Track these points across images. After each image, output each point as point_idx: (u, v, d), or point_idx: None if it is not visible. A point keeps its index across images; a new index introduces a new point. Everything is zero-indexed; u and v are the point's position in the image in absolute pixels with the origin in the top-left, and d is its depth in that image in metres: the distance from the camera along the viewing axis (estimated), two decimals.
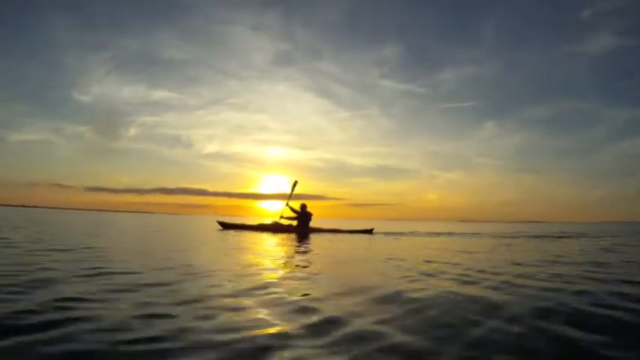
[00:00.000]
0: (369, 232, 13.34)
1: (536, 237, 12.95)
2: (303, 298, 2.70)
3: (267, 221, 13.39)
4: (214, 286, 3.05)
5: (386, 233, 13.71)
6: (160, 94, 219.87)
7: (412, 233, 14.22)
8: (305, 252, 6.33)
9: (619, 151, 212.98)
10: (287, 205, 12.88)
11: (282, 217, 12.83)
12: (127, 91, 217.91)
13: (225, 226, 13.70)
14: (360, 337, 1.85)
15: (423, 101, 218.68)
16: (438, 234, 14.20)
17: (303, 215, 12.83)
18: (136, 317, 2.08)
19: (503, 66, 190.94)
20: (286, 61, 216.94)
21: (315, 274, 3.87)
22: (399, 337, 1.87)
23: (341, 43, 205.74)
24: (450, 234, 14.43)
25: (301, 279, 3.53)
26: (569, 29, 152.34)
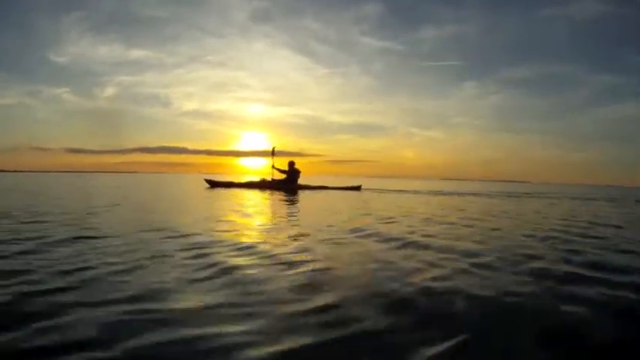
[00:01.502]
0: (357, 188, 13.47)
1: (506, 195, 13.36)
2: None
3: (255, 179, 13.34)
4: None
5: (372, 190, 13.91)
6: (137, 53, 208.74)
7: (400, 191, 14.45)
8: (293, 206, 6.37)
9: (600, 116, 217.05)
10: (273, 167, 12.76)
11: (273, 179, 12.79)
12: (104, 50, 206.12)
13: (213, 184, 13.57)
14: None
15: (402, 59, 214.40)
16: (424, 192, 14.50)
17: (291, 172, 12.79)
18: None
19: (484, 27, 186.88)
20: (265, 18, 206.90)
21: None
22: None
23: (320, 0, 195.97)
24: (438, 193, 14.76)
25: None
26: None
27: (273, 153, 12.94)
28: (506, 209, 7.05)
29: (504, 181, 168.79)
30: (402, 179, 71.74)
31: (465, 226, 4.25)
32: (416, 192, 13.86)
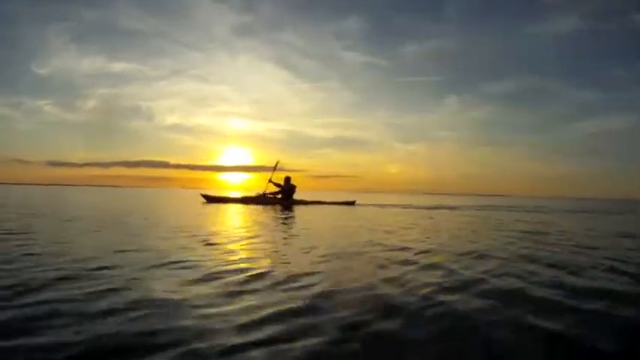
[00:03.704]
0: (352, 203, 13.76)
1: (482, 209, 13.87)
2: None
3: (250, 194, 13.48)
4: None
5: (365, 205, 14.20)
6: (119, 66, 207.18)
7: (391, 206, 14.78)
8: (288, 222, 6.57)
9: (581, 130, 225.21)
10: (270, 181, 12.99)
11: (265, 193, 12.98)
12: (87, 62, 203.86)
13: (209, 199, 13.64)
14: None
15: (385, 74, 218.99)
16: (419, 207, 14.89)
17: (287, 188, 13.02)
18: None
19: (466, 42, 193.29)
20: (247, 33, 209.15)
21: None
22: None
23: (303, 14, 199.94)
24: (432, 207, 15.16)
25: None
26: (535, 8, 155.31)
27: (276, 165, 13.21)
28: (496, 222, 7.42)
29: (487, 195, 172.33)
30: (386, 194, 72.56)
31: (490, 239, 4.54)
32: (405, 206, 14.23)
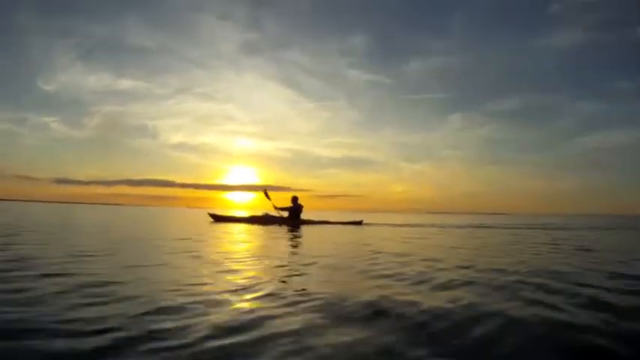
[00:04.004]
0: (359, 223, 13.71)
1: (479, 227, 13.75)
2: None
3: (258, 213, 13.49)
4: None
5: (372, 225, 14.14)
6: (126, 83, 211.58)
7: (400, 225, 14.71)
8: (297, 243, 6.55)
9: (586, 145, 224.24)
10: (275, 208, 12.89)
11: (275, 207, 12.95)
12: (93, 79, 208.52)
13: (217, 218, 13.67)
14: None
15: (390, 92, 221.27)
16: (430, 225, 14.81)
17: (294, 207, 13.02)
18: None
19: (471, 58, 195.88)
20: (254, 51, 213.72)
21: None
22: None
23: (309, 32, 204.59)
24: (435, 225, 15.08)
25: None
26: (538, 23, 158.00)
27: (267, 196, 13.07)
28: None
29: (491, 213, 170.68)
30: (392, 213, 72.18)
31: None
32: (413, 225, 14.14)
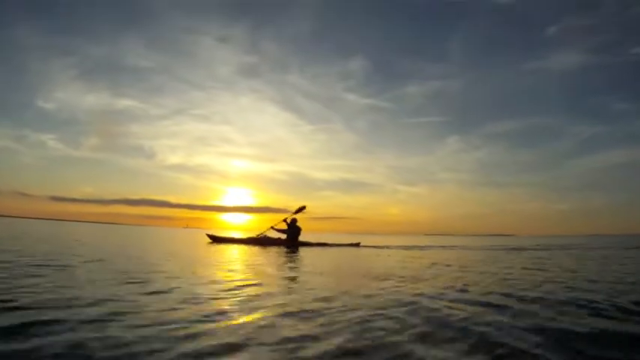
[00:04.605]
0: (357, 245, 13.84)
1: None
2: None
3: (256, 235, 13.61)
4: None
5: (369, 247, 14.24)
6: (123, 103, 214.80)
7: (389, 247, 14.82)
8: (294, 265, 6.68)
9: (584, 166, 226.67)
10: (284, 220, 13.16)
11: (273, 227, 13.15)
12: (91, 98, 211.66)
13: (215, 239, 13.76)
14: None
15: (387, 115, 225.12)
16: (422, 247, 14.93)
17: (292, 229, 13.18)
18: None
19: (468, 81, 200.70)
20: (252, 73, 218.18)
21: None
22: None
23: (307, 56, 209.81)
24: (432, 247, 15.20)
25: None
26: (535, 46, 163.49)
27: (297, 211, 13.35)
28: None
29: (489, 235, 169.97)
30: (387, 235, 71.88)
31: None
32: (408, 247, 14.24)
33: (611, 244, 19.09)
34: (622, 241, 27.90)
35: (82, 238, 12.96)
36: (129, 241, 13.50)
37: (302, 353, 1.88)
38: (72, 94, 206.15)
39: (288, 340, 2.08)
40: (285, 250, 10.78)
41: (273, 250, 10.31)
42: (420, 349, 1.97)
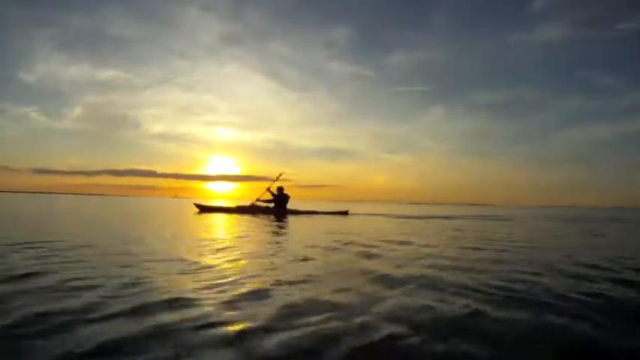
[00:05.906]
0: (345, 213, 13.97)
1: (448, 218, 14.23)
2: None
3: (245, 203, 13.58)
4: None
5: (357, 214, 14.42)
6: (106, 73, 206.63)
7: (383, 215, 15.04)
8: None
9: (569, 139, 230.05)
10: (268, 189, 13.14)
11: (258, 199, 13.14)
12: (73, 69, 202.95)
13: (203, 208, 13.68)
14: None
15: (371, 84, 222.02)
16: (418, 217, 15.20)
17: (281, 197, 13.18)
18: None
19: (453, 52, 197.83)
20: (235, 42, 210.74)
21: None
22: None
23: (291, 24, 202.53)
24: (423, 217, 15.48)
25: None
26: (522, 18, 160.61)
27: (277, 179, 13.35)
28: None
29: (472, 204, 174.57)
30: (373, 203, 73.12)
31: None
32: (399, 216, 14.49)
33: (579, 217, 19.68)
34: (596, 214, 28.80)
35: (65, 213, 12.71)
36: (117, 217, 13.30)
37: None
38: (54, 66, 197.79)
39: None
40: (273, 218, 10.81)
41: (263, 219, 10.32)
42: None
